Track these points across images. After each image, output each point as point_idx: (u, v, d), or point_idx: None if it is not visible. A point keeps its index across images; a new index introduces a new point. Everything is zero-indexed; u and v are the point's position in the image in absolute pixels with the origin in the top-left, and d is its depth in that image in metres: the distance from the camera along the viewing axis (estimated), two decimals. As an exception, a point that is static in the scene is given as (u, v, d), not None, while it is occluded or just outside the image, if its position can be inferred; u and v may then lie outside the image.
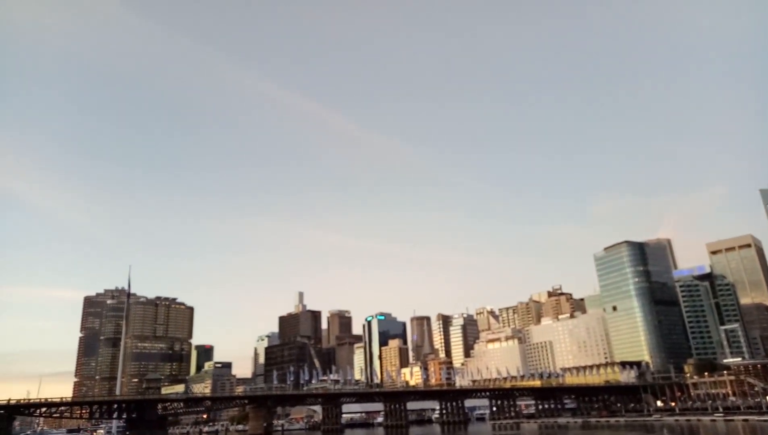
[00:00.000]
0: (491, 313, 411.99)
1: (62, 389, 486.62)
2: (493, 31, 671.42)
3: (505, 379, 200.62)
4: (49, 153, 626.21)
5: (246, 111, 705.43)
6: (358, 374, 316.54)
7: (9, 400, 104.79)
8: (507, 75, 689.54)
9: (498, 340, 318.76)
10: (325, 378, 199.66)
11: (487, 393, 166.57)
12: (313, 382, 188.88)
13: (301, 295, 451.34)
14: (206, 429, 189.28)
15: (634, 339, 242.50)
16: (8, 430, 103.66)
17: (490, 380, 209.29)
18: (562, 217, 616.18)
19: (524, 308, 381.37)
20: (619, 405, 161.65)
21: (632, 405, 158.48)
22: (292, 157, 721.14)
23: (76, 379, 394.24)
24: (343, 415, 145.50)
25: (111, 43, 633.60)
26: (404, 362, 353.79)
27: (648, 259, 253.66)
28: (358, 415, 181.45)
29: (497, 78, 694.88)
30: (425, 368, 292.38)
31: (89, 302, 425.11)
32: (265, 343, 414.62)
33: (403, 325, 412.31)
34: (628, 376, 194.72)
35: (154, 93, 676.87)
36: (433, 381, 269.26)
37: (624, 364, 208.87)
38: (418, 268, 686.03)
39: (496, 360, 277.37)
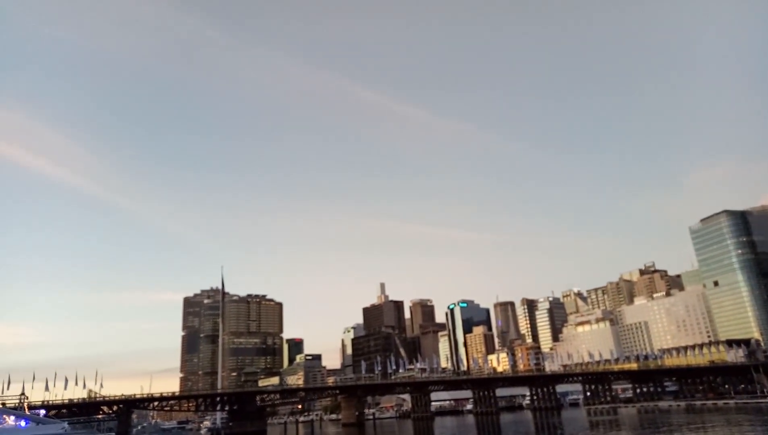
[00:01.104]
0: (578, 295, 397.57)
1: (170, 384, 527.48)
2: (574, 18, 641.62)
3: (597, 362, 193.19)
4: (139, 164, 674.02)
5: (310, 107, 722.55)
6: (444, 362, 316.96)
7: (126, 395, 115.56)
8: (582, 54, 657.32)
9: (588, 322, 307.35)
10: (412, 367, 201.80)
11: (580, 377, 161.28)
12: (400, 371, 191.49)
13: (383, 286, 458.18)
14: (302, 419, 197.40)
15: (740, 315, 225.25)
16: (128, 422, 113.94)
17: (581, 364, 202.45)
18: (651, 188, 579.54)
19: (614, 288, 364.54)
20: (727, 386, 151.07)
21: (742, 386, 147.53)
22: (367, 149, 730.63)
23: (181, 375, 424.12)
24: (432, 403, 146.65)
25: (174, 50, 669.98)
26: (490, 349, 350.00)
27: (752, 228, 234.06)
28: (447, 402, 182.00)
29: (574, 62, 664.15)
30: (512, 354, 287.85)
31: (188, 303, 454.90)
32: (351, 335, 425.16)
33: (487, 311, 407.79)
34: (735, 356, 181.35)
35: (232, 99, 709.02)
36: (521, 367, 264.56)
37: (730, 343, 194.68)
38: (498, 253, 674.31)
39: (587, 343, 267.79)
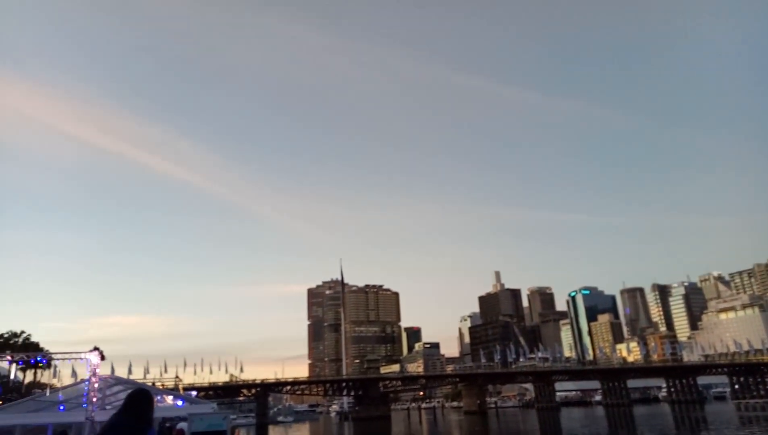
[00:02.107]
0: (719, 278, 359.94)
1: (300, 370, 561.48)
2: None
3: (747, 352, 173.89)
4: (263, 168, 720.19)
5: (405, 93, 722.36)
6: (567, 351, 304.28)
7: (262, 380, 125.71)
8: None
9: (732, 309, 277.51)
10: (533, 356, 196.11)
11: (725, 369, 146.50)
12: (521, 360, 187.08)
13: (497, 274, 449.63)
14: (424, 405, 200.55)
15: None
16: (265, 404, 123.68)
17: (726, 355, 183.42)
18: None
19: (763, 271, 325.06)
20: None
21: None
22: (475, 136, 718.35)
23: (309, 361, 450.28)
24: (557, 393, 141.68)
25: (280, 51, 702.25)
26: (618, 337, 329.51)
27: None
28: (573, 393, 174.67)
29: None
30: (644, 343, 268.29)
31: (312, 294, 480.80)
32: (468, 323, 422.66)
33: (612, 298, 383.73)
34: None
35: (341, 97, 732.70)
36: (654, 357, 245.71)
37: None
38: (619, 237, 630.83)
39: (732, 331, 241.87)
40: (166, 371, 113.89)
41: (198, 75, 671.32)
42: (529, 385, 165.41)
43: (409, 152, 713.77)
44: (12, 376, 76.66)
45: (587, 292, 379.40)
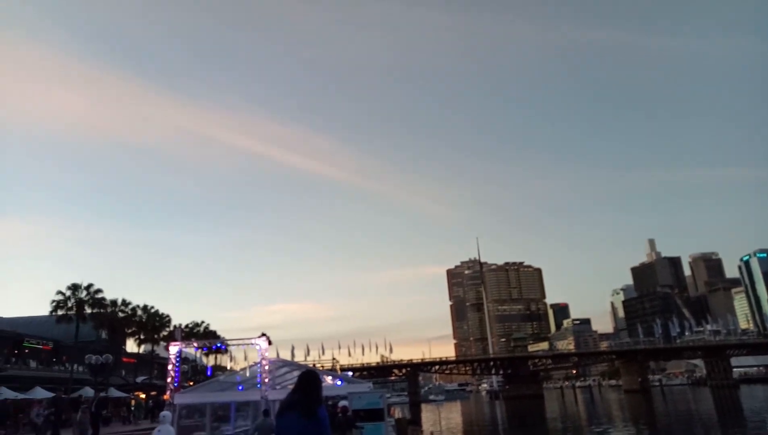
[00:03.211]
0: None
1: (446, 350, 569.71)
2: None
3: None
4: (391, 152, 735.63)
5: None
6: (743, 322, 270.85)
7: (411, 360, 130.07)
8: None
9: None
10: (701, 329, 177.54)
11: None
12: (686, 334, 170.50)
13: (652, 242, 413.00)
14: (578, 384, 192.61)
15: None
16: (416, 383, 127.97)
17: None
18: None
19: None
20: None
21: None
22: (612, 92, 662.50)
23: (455, 341, 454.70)
24: (734, 370, 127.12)
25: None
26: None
27: None
28: (755, 369, 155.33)
29: None
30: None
31: (451, 274, 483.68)
32: (621, 297, 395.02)
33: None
34: None
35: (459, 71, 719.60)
36: None
37: None
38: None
39: None
40: (323, 353, 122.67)
41: (323, 71, 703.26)
42: (698, 361, 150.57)
43: (539, 119, 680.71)
44: (197, 361, 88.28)
45: (764, 254, 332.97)
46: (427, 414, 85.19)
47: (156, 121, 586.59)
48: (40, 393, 43.35)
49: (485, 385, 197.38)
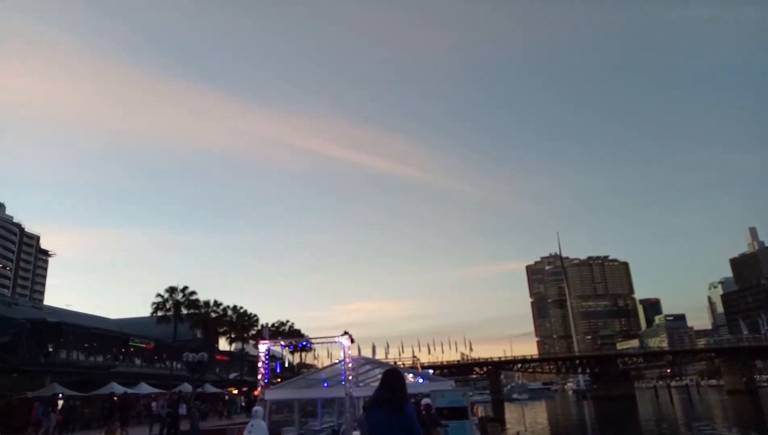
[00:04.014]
0: None
1: (528, 348, 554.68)
2: None
3: None
4: (462, 148, 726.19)
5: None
6: None
7: (493, 358, 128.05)
8: None
9: None
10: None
11: None
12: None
13: (752, 230, 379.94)
14: (674, 384, 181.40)
15: None
16: (498, 381, 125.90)
17: None
18: None
19: None
20: None
21: None
22: (703, 66, 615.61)
23: (537, 339, 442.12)
24: None
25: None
26: None
27: None
28: None
29: None
30: None
31: (531, 270, 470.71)
32: (719, 290, 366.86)
33: None
34: None
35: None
36: None
37: None
38: None
39: None
40: (403, 351, 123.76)
41: (394, 70, 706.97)
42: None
43: (623, 102, 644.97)
44: (284, 358, 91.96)
45: None
46: (511, 413, 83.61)
47: (238, 130, 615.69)
48: (145, 388, 47.02)
49: (571, 384, 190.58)
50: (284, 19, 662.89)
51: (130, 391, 43.33)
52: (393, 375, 5.06)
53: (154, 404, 35.90)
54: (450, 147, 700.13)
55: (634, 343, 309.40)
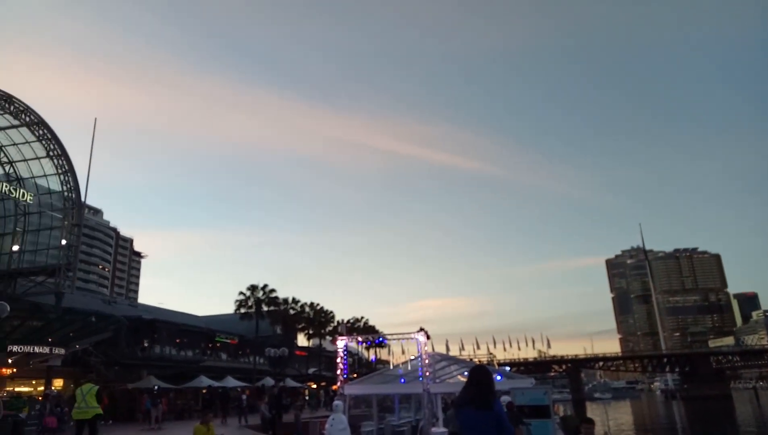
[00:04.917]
0: None
1: (609, 345, 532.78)
2: None
3: None
4: (531, 141, 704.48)
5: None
6: None
7: (572, 355, 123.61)
8: None
9: None
10: None
11: None
12: None
13: None
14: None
15: None
16: (578, 379, 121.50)
17: None
18: None
19: None
20: None
21: None
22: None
23: (619, 336, 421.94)
24: None
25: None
26: None
27: None
28: None
29: None
30: None
31: (611, 265, 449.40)
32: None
33: None
34: None
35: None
36: None
37: None
38: None
39: None
40: (478, 348, 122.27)
41: (459, 64, 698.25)
42: None
43: (712, 85, 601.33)
44: (359, 354, 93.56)
45: None
46: (593, 413, 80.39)
47: (310, 132, 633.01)
48: (231, 382, 49.46)
49: (658, 384, 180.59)
50: (349, 20, 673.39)
51: (217, 384, 45.77)
52: (480, 372, 5.09)
53: (243, 397, 38.28)
54: (523, 141, 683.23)
55: (729, 340, 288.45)
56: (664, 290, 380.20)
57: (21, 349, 31.58)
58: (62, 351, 34.86)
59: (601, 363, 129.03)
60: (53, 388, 36.59)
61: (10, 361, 32.61)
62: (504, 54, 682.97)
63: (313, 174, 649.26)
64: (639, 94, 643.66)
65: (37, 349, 32.38)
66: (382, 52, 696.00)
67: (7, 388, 35.72)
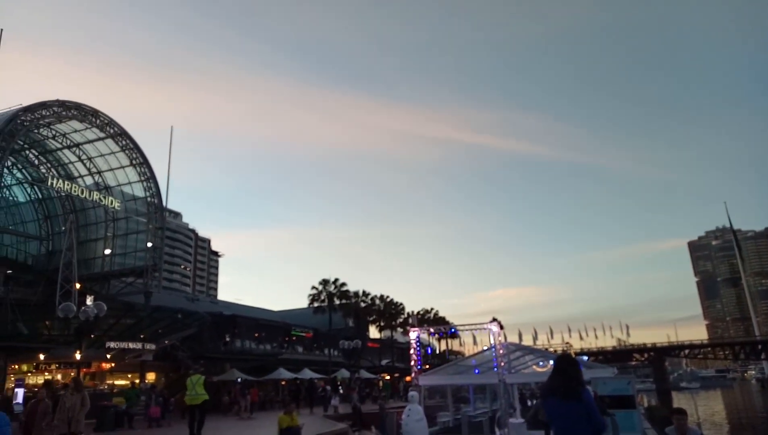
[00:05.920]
0: None
1: (695, 332, 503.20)
2: None
3: None
4: (605, 124, 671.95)
5: None
6: None
7: (655, 343, 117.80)
8: None
9: None
10: None
11: None
12: None
13: None
14: None
15: None
16: (662, 368, 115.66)
17: None
18: None
19: None
20: None
21: None
22: None
23: (706, 322, 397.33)
24: None
25: None
26: None
27: None
28: None
29: None
30: None
31: (693, 247, 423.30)
32: None
33: None
34: None
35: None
36: None
37: None
38: None
39: None
40: (552, 337, 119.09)
41: (516, 49, 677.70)
42: None
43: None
44: (430, 345, 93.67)
45: None
46: (680, 403, 76.29)
47: (372, 127, 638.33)
48: (307, 373, 51.01)
49: (753, 372, 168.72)
50: (404, 18, 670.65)
51: (295, 376, 47.33)
52: (566, 360, 5.00)
53: (328, 388, 40.20)
54: (594, 123, 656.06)
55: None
56: (755, 272, 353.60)
57: (117, 345, 34.16)
58: (153, 346, 37.34)
59: (686, 351, 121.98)
60: (146, 381, 39.23)
61: (108, 356, 35.32)
62: (567, 38, 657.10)
63: (378, 167, 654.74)
64: (723, 65, 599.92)
65: (131, 345, 34.94)
66: (440, 42, 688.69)
67: (107, 381, 38.72)
